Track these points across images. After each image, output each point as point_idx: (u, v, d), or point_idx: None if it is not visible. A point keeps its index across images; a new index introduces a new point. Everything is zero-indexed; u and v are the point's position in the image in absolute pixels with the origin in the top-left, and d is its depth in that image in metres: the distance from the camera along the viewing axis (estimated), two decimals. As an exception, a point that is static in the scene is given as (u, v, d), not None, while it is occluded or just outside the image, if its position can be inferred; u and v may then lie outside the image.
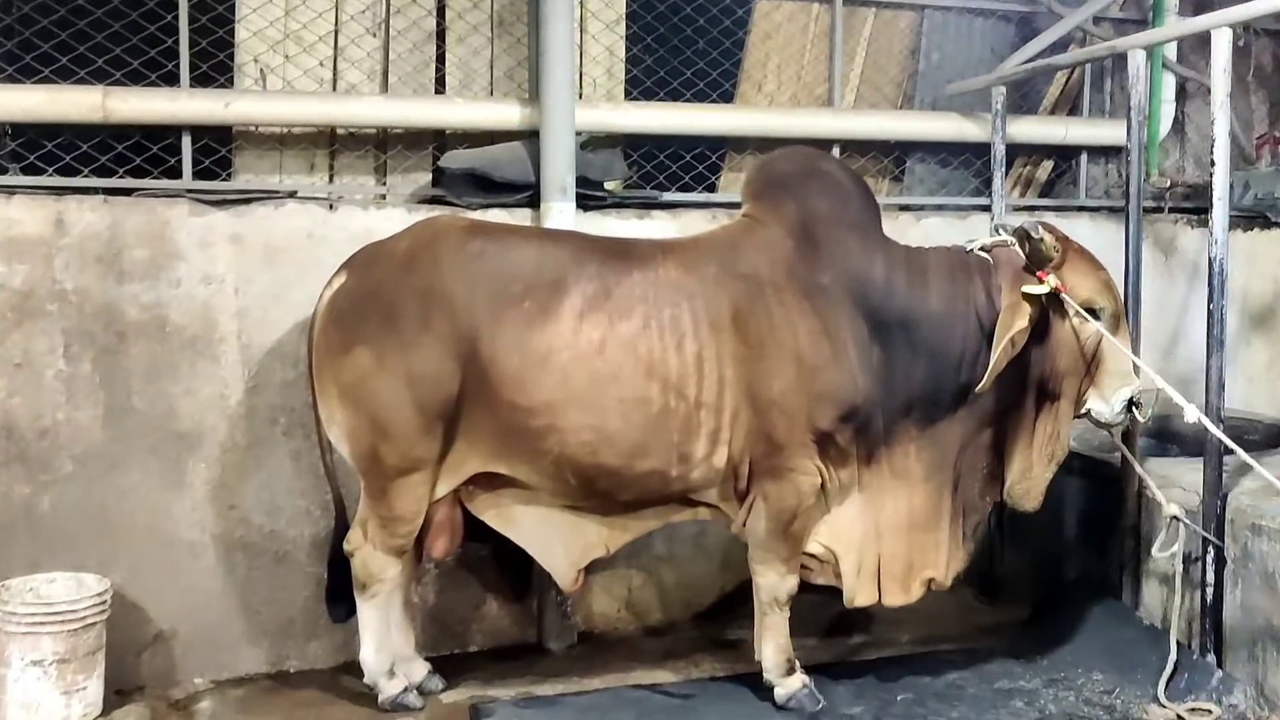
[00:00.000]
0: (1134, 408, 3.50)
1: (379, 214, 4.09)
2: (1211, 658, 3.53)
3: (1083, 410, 3.55)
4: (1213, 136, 3.41)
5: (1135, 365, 3.50)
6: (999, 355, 3.29)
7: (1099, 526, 4.14)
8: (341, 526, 3.75)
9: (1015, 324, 3.32)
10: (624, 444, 3.36)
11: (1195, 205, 5.28)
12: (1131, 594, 3.92)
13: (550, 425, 3.35)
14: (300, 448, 4.02)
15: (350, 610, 3.73)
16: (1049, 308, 3.43)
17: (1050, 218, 5.07)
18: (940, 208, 5.05)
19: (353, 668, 3.90)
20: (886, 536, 3.63)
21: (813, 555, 3.66)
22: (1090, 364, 3.46)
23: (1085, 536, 4.24)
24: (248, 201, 3.99)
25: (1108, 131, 5.21)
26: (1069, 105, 5.45)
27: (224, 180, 4.21)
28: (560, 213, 4.09)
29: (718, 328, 3.39)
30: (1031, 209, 5.15)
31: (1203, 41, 3.62)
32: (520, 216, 4.21)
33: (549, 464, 3.41)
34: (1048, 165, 5.41)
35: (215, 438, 3.97)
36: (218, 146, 4.23)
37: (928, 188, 5.18)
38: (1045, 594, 4.42)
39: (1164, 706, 3.48)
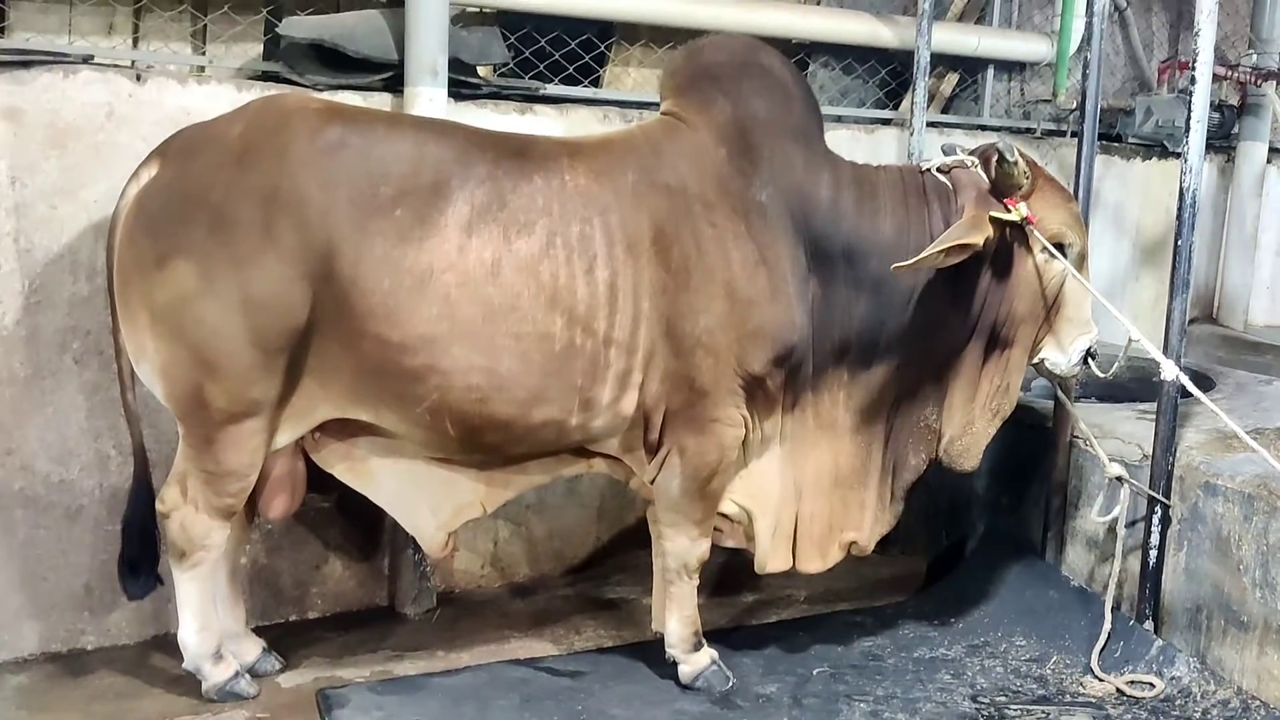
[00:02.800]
0: (1090, 359, 3.12)
1: (201, 90, 3.28)
2: (1149, 625, 3.25)
3: (1035, 360, 3.15)
4: (1197, 49, 3.00)
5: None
6: (932, 253, 2.79)
7: (1015, 477, 3.82)
8: (142, 480, 3.05)
9: (968, 234, 2.82)
10: (520, 390, 2.77)
11: (1102, 130, 4.97)
12: (1055, 553, 3.61)
13: (429, 365, 2.72)
14: (98, 380, 3.25)
15: (150, 584, 3.07)
16: (1012, 241, 2.99)
17: (957, 136, 4.72)
18: (840, 119, 4.59)
19: (166, 642, 3.24)
20: (807, 494, 3.19)
21: (725, 516, 3.19)
22: (1050, 308, 3.05)
23: (997, 486, 3.92)
24: (28, 65, 3.10)
25: (1020, 45, 4.86)
26: (976, 15, 5.05)
27: (-6, 38, 3.32)
28: (429, 100, 3.39)
29: (635, 250, 2.81)
30: (938, 126, 4.74)
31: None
32: (378, 103, 3.48)
33: (424, 413, 2.79)
34: (953, 79, 5.02)
35: (-14, 367, 3.15)
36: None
37: (829, 96, 4.71)
38: (946, 547, 4.12)
39: (1100, 679, 3.18)
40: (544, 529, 4.06)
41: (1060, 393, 3.43)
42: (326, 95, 3.32)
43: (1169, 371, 2.86)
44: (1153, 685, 3.11)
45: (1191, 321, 4.97)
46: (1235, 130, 5.33)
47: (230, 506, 2.89)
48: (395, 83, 3.48)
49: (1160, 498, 3.19)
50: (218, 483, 2.84)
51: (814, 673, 3.28)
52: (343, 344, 2.74)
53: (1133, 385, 4.11)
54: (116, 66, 3.27)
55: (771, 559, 3.24)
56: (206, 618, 3.00)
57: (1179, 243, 3.11)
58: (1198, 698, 3.06)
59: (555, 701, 3.06)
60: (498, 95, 3.70)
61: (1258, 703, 2.98)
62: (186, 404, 2.79)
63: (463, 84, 3.57)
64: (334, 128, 2.73)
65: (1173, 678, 3.13)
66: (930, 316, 3.02)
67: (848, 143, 4.39)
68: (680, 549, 3.09)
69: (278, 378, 2.76)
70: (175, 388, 2.79)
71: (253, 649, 3.19)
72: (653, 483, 3.03)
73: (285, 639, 3.38)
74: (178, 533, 2.91)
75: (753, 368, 2.89)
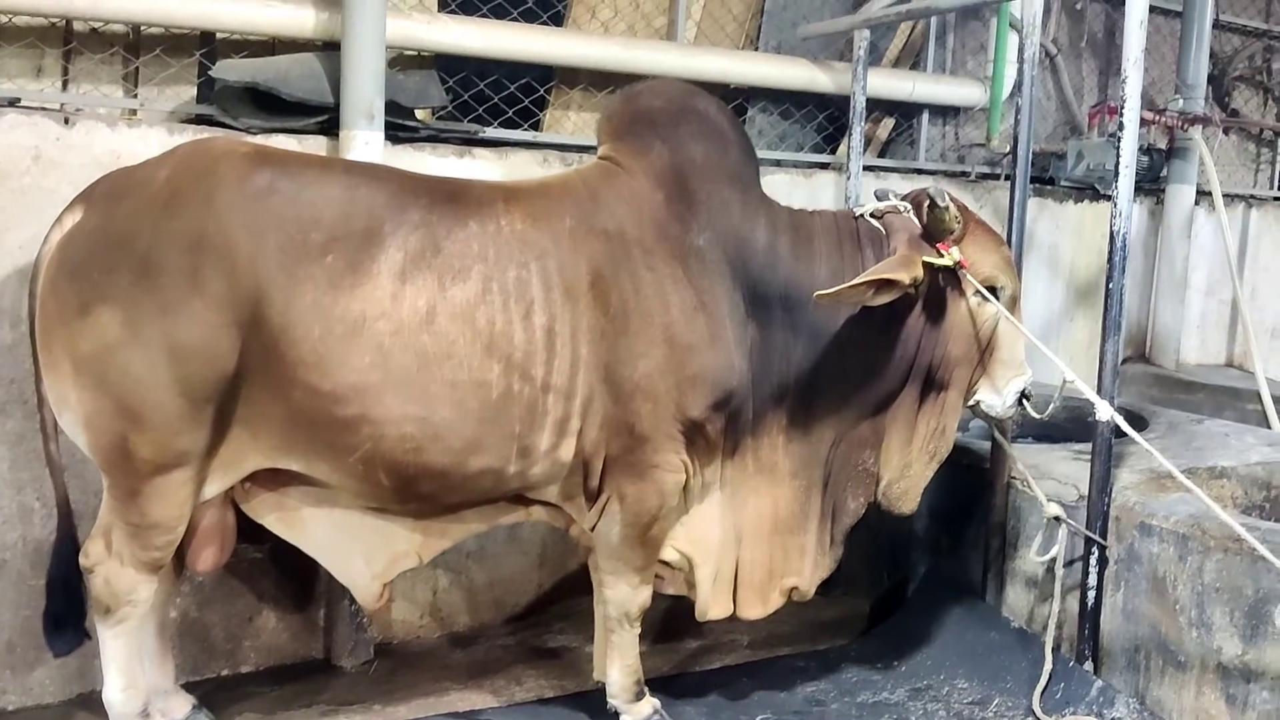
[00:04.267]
0: (1025, 401, 3.15)
1: (131, 134, 3.23)
2: (1089, 666, 3.26)
3: (970, 402, 3.17)
4: (1125, 94, 3.06)
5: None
6: (858, 283, 2.78)
7: (954, 517, 3.83)
8: (66, 534, 2.94)
9: (895, 271, 2.82)
10: (455, 439, 2.72)
11: (1035, 173, 5.06)
12: (995, 594, 3.62)
13: (361, 415, 2.66)
14: (22, 429, 3.16)
15: (76, 640, 2.96)
16: (945, 286, 3.01)
17: (893, 179, 4.78)
18: (779, 163, 4.63)
19: (92, 701, 3.14)
20: (747, 540, 3.16)
21: (666, 563, 3.15)
22: (984, 351, 3.08)
23: (937, 527, 3.93)
24: (-51, 108, 3.06)
25: (954, 90, 4.94)
26: (911, 61, 5.12)
27: (-85, 80, 3.24)
28: (365, 144, 3.36)
29: (573, 295, 2.79)
30: (875, 170, 4.79)
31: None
32: (313, 146, 3.45)
33: (356, 463, 2.73)
34: (889, 123, 5.08)
35: (-97, 416, 3.06)
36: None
37: (767, 140, 4.74)
38: (888, 588, 4.11)
39: (1041, 721, 3.19)
40: (484, 577, 4.00)
41: (998, 434, 3.46)
42: (260, 139, 3.30)
43: (1103, 412, 2.90)
44: (1093, 726, 3.12)
45: (1124, 361, 5.05)
46: (1164, 173, 5.44)
47: (157, 560, 2.80)
48: (331, 126, 3.45)
49: (1097, 538, 3.22)
50: (144, 535, 2.75)
51: (757, 719, 3.24)
52: (273, 393, 2.68)
53: (1069, 426, 4.15)
54: (44, 109, 3.22)
55: (712, 606, 3.21)
56: (132, 675, 2.89)
57: (1110, 285, 3.16)
58: (1137, 738, 3.08)
59: (494, 754, 3.01)
60: (436, 139, 3.69)
61: (1196, 742, 2.99)
62: (111, 455, 2.70)
63: (400, 127, 3.55)
64: (263, 172, 2.68)
65: (1114, 718, 3.14)
66: (866, 361, 3.03)
67: (786, 186, 4.43)
68: (621, 597, 3.05)
69: (205, 428, 2.69)
70: (100, 439, 2.70)
71: (182, 706, 3.08)
72: (593, 530, 3.00)
73: (217, 694, 3.30)
74: (102, 588, 2.81)
75: (692, 413, 2.87)
